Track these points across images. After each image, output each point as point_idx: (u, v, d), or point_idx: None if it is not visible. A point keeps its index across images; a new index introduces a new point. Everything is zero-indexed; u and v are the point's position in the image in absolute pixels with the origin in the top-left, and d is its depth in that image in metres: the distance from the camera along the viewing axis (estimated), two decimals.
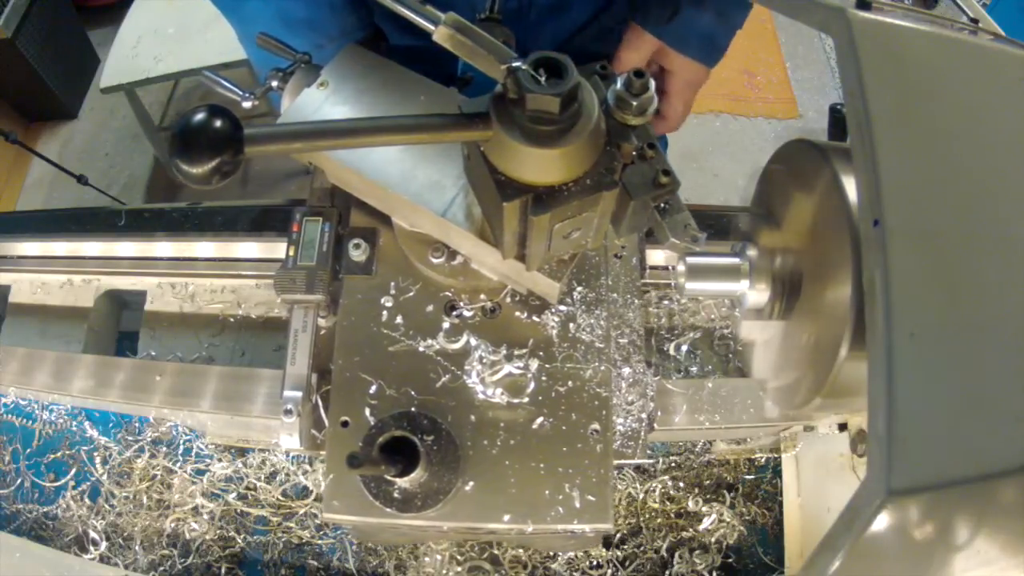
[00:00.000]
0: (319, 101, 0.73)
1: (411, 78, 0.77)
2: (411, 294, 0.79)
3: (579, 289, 0.80)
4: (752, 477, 0.98)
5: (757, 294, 0.72)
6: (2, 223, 1.16)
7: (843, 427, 0.81)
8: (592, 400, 0.75)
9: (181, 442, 1.00)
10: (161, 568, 0.97)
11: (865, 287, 0.46)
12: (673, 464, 0.98)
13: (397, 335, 0.77)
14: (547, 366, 0.76)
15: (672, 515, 0.97)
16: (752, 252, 0.74)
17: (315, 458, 0.98)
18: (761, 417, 0.83)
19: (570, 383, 0.75)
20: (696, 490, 0.97)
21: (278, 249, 1.04)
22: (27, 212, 1.30)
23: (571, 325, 0.78)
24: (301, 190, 2.69)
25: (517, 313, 0.78)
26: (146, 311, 1.06)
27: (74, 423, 1.03)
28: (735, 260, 0.73)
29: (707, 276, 0.73)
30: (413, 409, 0.73)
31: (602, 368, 0.76)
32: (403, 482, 0.68)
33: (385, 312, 0.78)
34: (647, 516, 0.97)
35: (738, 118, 2.85)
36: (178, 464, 1.00)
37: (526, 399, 0.74)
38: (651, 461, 0.81)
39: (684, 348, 0.97)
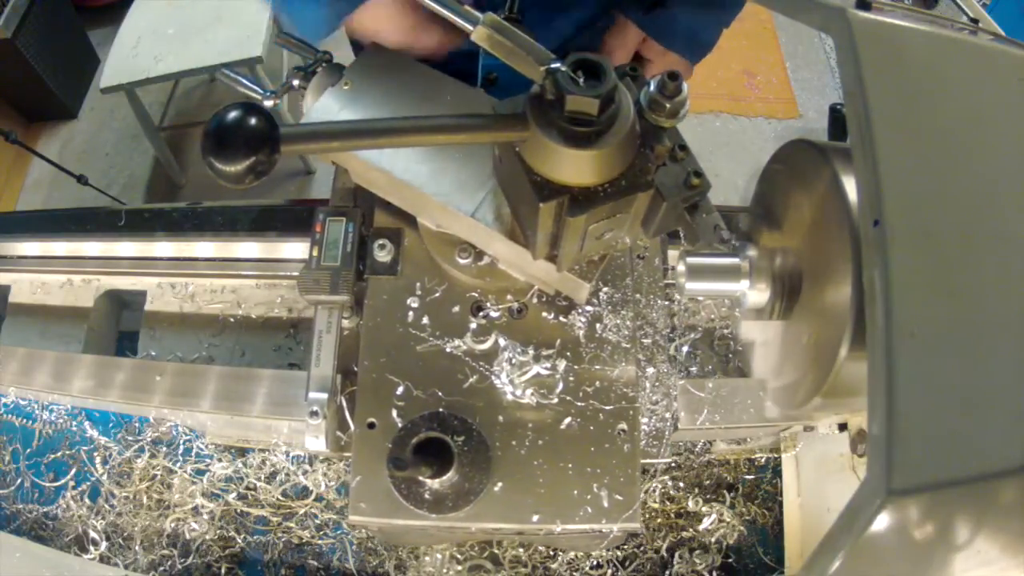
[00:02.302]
0: (343, 101, 0.73)
1: (436, 78, 0.76)
2: (437, 295, 0.79)
3: (605, 290, 0.80)
4: (752, 477, 0.98)
5: (757, 294, 0.72)
6: (2, 223, 1.16)
7: (843, 427, 0.81)
8: (619, 400, 0.75)
9: (181, 442, 1.00)
10: (161, 568, 0.97)
11: (865, 287, 0.46)
12: (673, 464, 0.98)
13: (424, 336, 0.77)
14: (575, 366, 0.76)
15: (672, 515, 0.97)
16: (752, 252, 0.74)
17: (316, 458, 0.98)
18: (761, 417, 0.83)
19: (597, 383, 0.75)
20: (696, 490, 0.97)
21: (278, 249, 1.04)
22: (27, 212, 1.30)
23: (598, 325, 0.78)
24: (301, 190, 2.70)
25: (544, 314, 0.78)
26: (146, 311, 1.06)
27: (74, 423, 1.02)
28: (735, 260, 0.73)
29: (707, 276, 0.73)
30: (442, 410, 0.73)
31: (629, 368, 0.76)
32: (434, 483, 0.68)
33: (411, 313, 0.78)
34: (647, 516, 0.97)
35: (738, 118, 2.85)
36: (178, 464, 1.00)
37: (555, 399, 0.75)
38: (669, 460, 0.81)
39: (684, 348, 0.96)
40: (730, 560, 0.95)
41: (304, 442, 0.76)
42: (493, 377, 0.75)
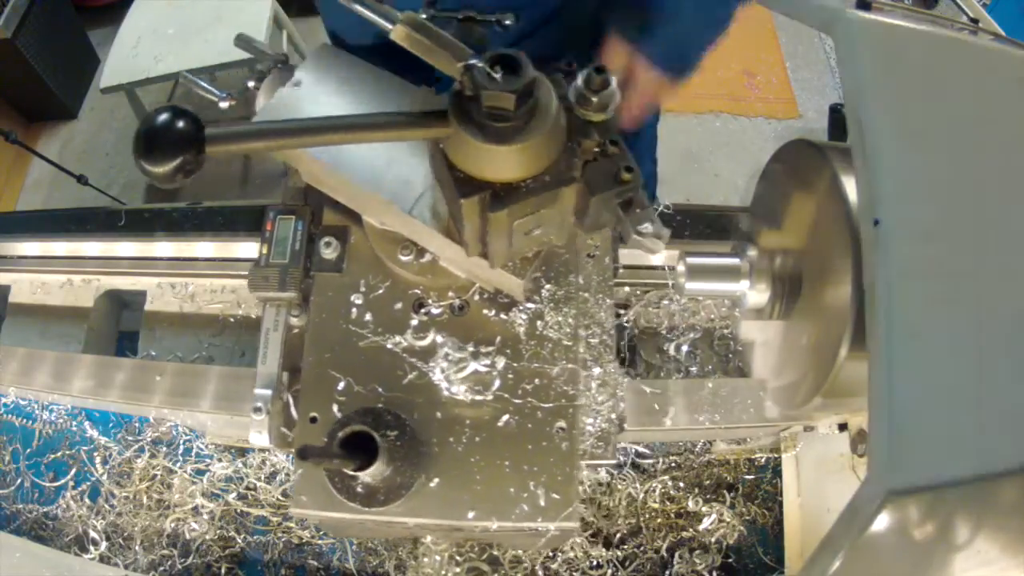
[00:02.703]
0: (294, 101, 0.74)
1: (385, 78, 0.77)
2: (380, 292, 0.79)
3: (547, 287, 0.79)
4: (752, 477, 0.98)
5: (757, 294, 0.72)
6: (2, 223, 1.16)
7: (843, 427, 0.81)
8: (559, 398, 0.75)
9: (181, 442, 1.00)
10: (161, 568, 0.97)
11: (865, 287, 0.46)
12: (673, 464, 0.98)
13: (366, 332, 0.78)
14: (514, 364, 0.76)
15: (672, 515, 0.97)
16: (752, 252, 0.74)
17: None
18: (761, 417, 0.83)
19: (536, 381, 0.75)
20: (696, 490, 0.97)
21: None
22: (27, 212, 1.30)
23: (539, 323, 0.78)
24: None
25: (485, 311, 0.78)
26: (146, 311, 1.06)
27: (74, 423, 1.03)
28: (735, 260, 0.73)
29: (707, 276, 0.73)
30: (380, 405, 0.73)
31: (569, 366, 0.76)
32: (365, 476, 0.68)
33: (355, 309, 0.79)
34: (647, 516, 0.97)
35: (738, 118, 2.84)
36: (178, 464, 1.00)
37: (491, 396, 0.74)
38: (615, 462, 0.79)
39: (684, 348, 0.96)
40: (730, 560, 0.95)
41: (248, 437, 0.77)
42: (431, 374, 0.76)
